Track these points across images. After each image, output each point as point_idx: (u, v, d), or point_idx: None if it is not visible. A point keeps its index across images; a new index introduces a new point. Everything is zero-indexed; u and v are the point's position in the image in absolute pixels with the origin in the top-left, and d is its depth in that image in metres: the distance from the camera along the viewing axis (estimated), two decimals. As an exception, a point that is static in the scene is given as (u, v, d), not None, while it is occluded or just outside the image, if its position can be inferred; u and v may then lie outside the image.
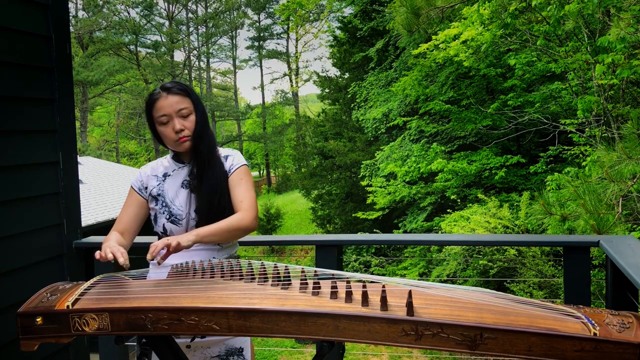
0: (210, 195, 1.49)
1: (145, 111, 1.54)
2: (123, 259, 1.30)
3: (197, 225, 1.50)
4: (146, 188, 1.58)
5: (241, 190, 1.51)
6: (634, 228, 4.26)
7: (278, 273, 1.26)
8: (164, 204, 1.54)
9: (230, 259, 1.46)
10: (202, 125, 1.52)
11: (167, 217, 1.53)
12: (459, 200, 9.08)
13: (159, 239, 1.56)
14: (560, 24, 4.51)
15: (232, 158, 1.57)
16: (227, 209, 1.50)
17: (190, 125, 1.49)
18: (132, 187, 1.61)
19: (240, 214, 1.46)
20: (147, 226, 1.63)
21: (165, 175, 1.58)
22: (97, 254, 1.32)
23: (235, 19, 29.74)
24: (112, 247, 1.33)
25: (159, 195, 1.55)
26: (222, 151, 1.59)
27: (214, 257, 1.51)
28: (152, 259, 1.31)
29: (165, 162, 1.62)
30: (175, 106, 1.48)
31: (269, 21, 31.58)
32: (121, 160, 25.56)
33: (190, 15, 28.76)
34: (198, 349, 1.45)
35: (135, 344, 1.35)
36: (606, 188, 2.82)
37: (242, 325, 1.10)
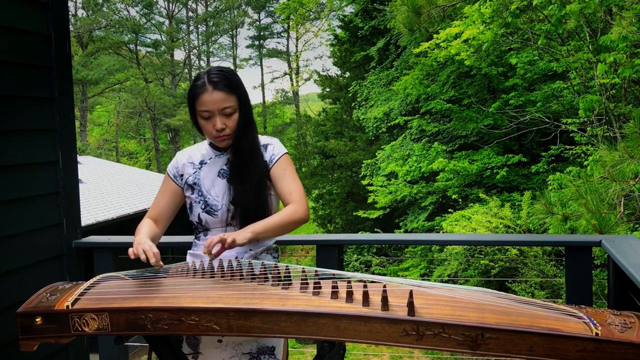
0: (250, 191, 1.44)
1: (188, 98, 1.46)
2: (155, 259, 1.27)
3: (234, 218, 1.46)
4: (182, 176, 1.53)
5: (288, 181, 1.46)
6: (636, 228, 4.25)
7: (278, 273, 1.26)
8: (199, 193, 1.48)
9: (231, 260, 1.46)
10: (245, 123, 1.44)
11: (203, 207, 1.48)
12: (460, 200, 9.07)
13: (194, 228, 1.54)
14: (562, 22, 4.49)
15: (272, 147, 1.50)
16: (267, 203, 1.47)
17: (232, 124, 1.42)
18: (167, 172, 1.55)
19: (292, 206, 1.42)
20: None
21: (202, 163, 1.52)
22: (131, 252, 1.30)
23: (236, 17, 29.73)
24: (144, 244, 1.30)
25: (194, 184, 1.50)
26: (261, 139, 1.52)
27: (250, 250, 1.47)
28: (207, 253, 1.28)
29: (202, 148, 1.54)
30: (220, 104, 1.39)
31: (269, 20, 31.48)
32: (121, 159, 25.56)
33: (190, 14, 28.76)
34: (230, 344, 1.40)
35: (135, 344, 1.35)
36: (608, 188, 2.81)
37: (242, 325, 1.10)
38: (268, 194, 1.48)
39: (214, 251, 1.29)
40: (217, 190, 1.47)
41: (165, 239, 2.14)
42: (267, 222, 1.39)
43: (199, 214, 1.48)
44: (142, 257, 1.28)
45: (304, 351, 8.25)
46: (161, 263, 1.30)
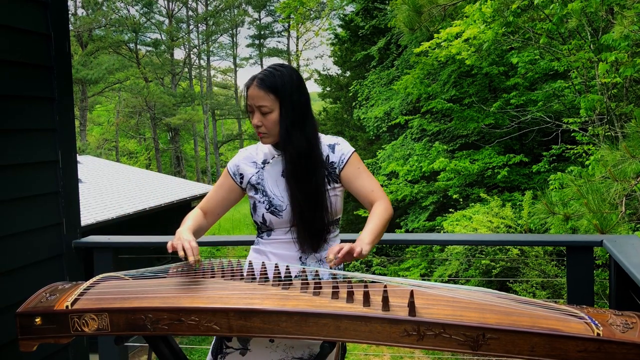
0: (304, 194, 1.41)
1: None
2: (193, 257, 1.24)
3: (294, 218, 1.42)
4: (241, 174, 1.50)
5: (365, 179, 1.45)
6: (638, 228, 4.24)
7: (279, 273, 1.25)
8: (263, 194, 1.46)
9: (231, 260, 1.45)
10: (288, 126, 1.39)
11: (267, 207, 1.45)
12: (461, 200, 9.06)
13: (258, 228, 1.51)
14: (563, 22, 4.49)
15: (340, 147, 1.47)
16: (325, 205, 1.43)
17: (269, 124, 1.39)
18: (227, 168, 1.53)
19: (382, 204, 1.41)
20: (146, 225, 1.61)
21: (264, 163, 1.49)
22: (169, 246, 1.27)
23: (236, 16, 29.72)
24: (185, 240, 1.27)
25: (258, 184, 1.47)
26: (326, 139, 1.49)
27: (314, 253, 1.45)
28: (330, 260, 1.23)
29: (265, 147, 1.51)
30: (256, 101, 1.38)
31: (269, 19, 31.47)
32: (121, 159, 25.53)
33: (190, 13, 28.74)
34: (281, 346, 1.37)
35: (134, 344, 1.34)
36: (609, 187, 2.81)
37: (242, 325, 1.09)
38: (329, 195, 1.45)
39: (335, 260, 1.23)
40: (281, 190, 1.45)
41: (143, 238, 2.11)
42: (375, 228, 1.35)
43: (263, 215, 1.45)
44: (181, 253, 1.25)
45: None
46: (200, 258, 1.27)
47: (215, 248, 14.80)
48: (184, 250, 1.25)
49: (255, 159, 1.51)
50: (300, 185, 1.41)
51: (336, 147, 1.48)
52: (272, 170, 1.48)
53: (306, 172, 1.41)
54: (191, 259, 1.24)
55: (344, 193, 1.52)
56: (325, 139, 1.49)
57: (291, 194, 1.42)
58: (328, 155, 1.46)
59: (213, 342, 1.42)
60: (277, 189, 1.45)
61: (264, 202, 1.45)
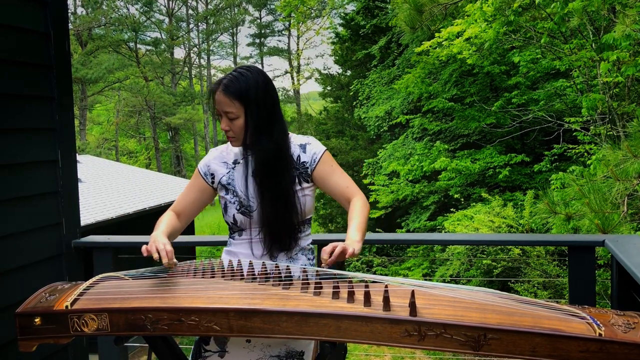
0: (273, 197, 1.42)
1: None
2: (167, 259, 1.25)
3: (262, 220, 1.43)
4: (212, 175, 1.50)
5: (339, 176, 1.46)
6: None
7: (279, 273, 1.25)
8: (234, 194, 1.46)
9: (232, 259, 1.45)
10: (254, 132, 1.40)
11: (238, 207, 1.45)
12: (462, 199, 9.05)
13: (230, 229, 1.51)
14: (565, 21, 4.48)
15: (311, 147, 1.48)
16: (295, 205, 1.44)
17: (237, 129, 1.40)
18: (198, 169, 1.52)
19: (359, 199, 1.42)
20: (146, 225, 1.60)
21: (235, 163, 1.49)
22: (144, 249, 1.28)
23: (236, 15, 29.70)
24: (159, 243, 1.28)
25: (229, 184, 1.47)
26: (297, 139, 1.49)
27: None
28: (323, 260, 1.23)
29: (235, 148, 1.51)
30: (223, 107, 1.39)
31: (270, 18, 31.45)
32: (121, 158, 25.54)
33: (190, 12, 28.73)
34: (258, 345, 1.38)
35: (134, 344, 1.34)
36: (611, 187, 2.80)
37: (243, 325, 1.09)
38: (300, 195, 1.46)
39: (329, 260, 1.23)
40: (251, 191, 1.45)
41: (140, 238, 2.11)
42: (360, 226, 1.35)
43: (234, 215, 1.46)
44: (155, 256, 1.26)
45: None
46: (175, 261, 1.28)
47: (215, 248, 14.80)
48: (158, 253, 1.26)
49: (226, 159, 1.51)
50: (270, 187, 1.42)
51: (307, 147, 1.48)
52: (243, 170, 1.48)
53: (276, 174, 1.42)
54: (165, 261, 1.25)
55: (315, 193, 1.52)
56: (296, 139, 1.50)
57: (261, 195, 1.42)
58: (299, 155, 1.47)
59: (193, 347, 1.44)
60: (247, 189, 1.45)
61: (234, 203, 1.46)
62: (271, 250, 1.44)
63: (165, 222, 1.43)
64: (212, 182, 1.51)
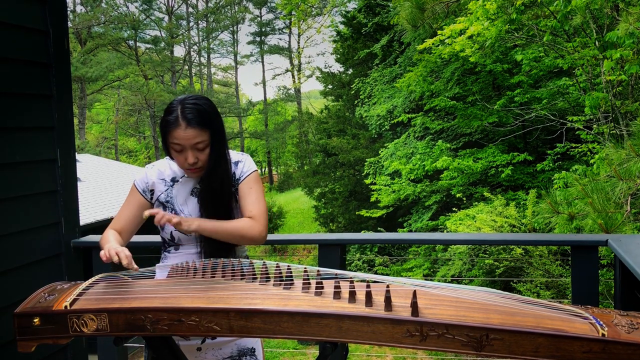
0: (217, 215, 1.46)
1: (160, 128, 1.45)
2: (127, 261, 1.27)
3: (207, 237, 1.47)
4: (152, 191, 1.53)
5: (252, 199, 1.47)
6: (643, 226, 4.21)
7: (280, 273, 1.24)
8: (172, 211, 1.49)
9: (232, 259, 1.44)
10: (217, 155, 1.44)
11: None
12: (464, 199, 9.03)
13: (164, 244, 1.55)
14: (568, 18, 4.46)
15: (242, 164, 1.51)
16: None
17: (204, 158, 1.43)
18: (135, 185, 1.54)
19: (250, 221, 1.43)
20: (145, 225, 1.60)
21: (173, 181, 1.52)
22: (102, 255, 1.30)
23: (237, 13, 29.66)
24: (116, 248, 1.30)
25: (167, 201, 1.50)
26: (233, 156, 1.53)
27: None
28: (149, 216, 1.35)
29: (174, 165, 1.54)
30: (192, 140, 1.39)
31: (270, 16, 31.38)
32: (120, 157, 25.58)
33: (190, 9, 28.69)
34: (209, 350, 1.42)
35: (134, 344, 1.35)
36: (614, 186, 2.79)
37: (243, 326, 1.09)
38: (236, 211, 1.50)
39: (162, 221, 1.34)
40: (190, 209, 1.49)
41: (139, 238, 2.11)
42: (217, 223, 1.40)
43: (171, 232, 1.49)
44: (115, 259, 1.27)
45: (305, 352, 8.24)
46: (135, 266, 1.30)
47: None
48: (118, 256, 1.27)
49: (164, 176, 1.54)
50: (214, 207, 1.46)
51: (239, 164, 1.52)
52: (182, 188, 1.51)
53: (221, 195, 1.46)
54: (125, 263, 1.27)
55: None
56: (233, 156, 1.53)
57: (202, 214, 1.46)
58: (234, 172, 1.51)
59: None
60: (186, 207, 1.49)
61: None
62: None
63: (113, 239, 1.44)
64: (151, 199, 1.53)
